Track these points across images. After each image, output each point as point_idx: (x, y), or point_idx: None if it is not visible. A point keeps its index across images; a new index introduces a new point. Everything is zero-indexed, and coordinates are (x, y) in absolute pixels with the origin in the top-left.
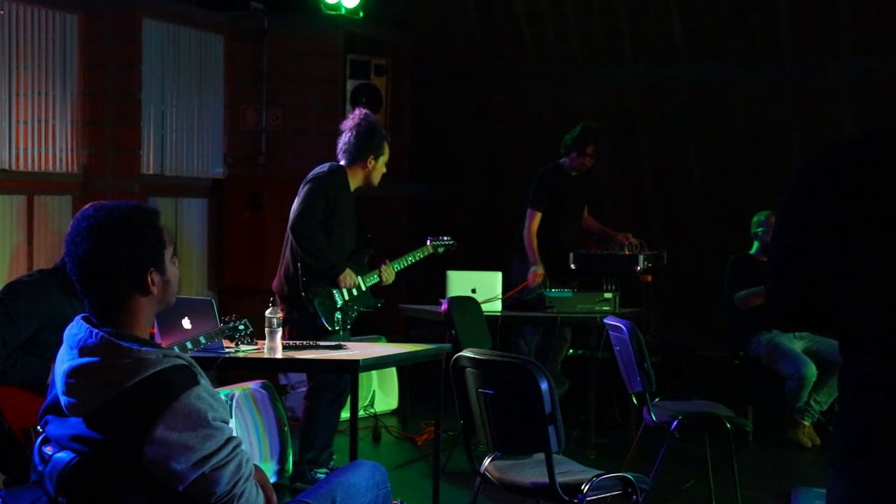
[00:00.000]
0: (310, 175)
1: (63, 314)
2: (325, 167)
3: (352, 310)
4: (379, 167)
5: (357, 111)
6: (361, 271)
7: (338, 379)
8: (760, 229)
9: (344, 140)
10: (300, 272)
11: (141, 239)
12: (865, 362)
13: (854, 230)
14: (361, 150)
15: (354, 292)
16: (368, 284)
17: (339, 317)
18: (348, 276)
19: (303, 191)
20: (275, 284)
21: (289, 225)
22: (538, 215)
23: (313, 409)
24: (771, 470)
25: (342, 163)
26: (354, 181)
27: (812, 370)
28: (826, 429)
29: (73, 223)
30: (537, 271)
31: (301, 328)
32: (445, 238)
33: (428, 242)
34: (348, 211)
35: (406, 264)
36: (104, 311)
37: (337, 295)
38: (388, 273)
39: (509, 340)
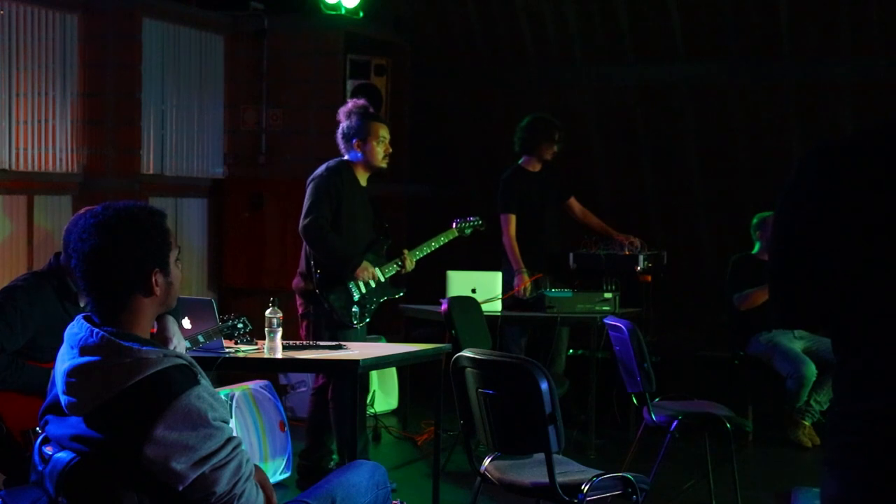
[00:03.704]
0: (311, 176)
1: (58, 317)
2: (323, 166)
3: (370, 302)
4: (373, 149)
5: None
6: (380, 262)
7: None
8: (759, 232)
9: (337, 134)
10: (314, 268)
11: (147, 239)
12: (859, 361)
13: (852, 229)
14: (347, 137)
15: (373, 284)
16: (388, 275)
17: (357, 310)
18: (366, 269)
19: (306, 193)
20: (294, 282)
21: (300, 229)
22: (513, 218)
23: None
24: (771, 470)
25: (345, 157)
26: (359, 171)
27: (812, 370)
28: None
29: (80, 220)
30: (524, 278)
31: (317, 324)
32: (472, 219)
33: (453, 225)
34: (358, 203)
35: (430, 250)
36: (106, 309)
37: (353, 289)
38: (409, 262)
39: (501, 345)
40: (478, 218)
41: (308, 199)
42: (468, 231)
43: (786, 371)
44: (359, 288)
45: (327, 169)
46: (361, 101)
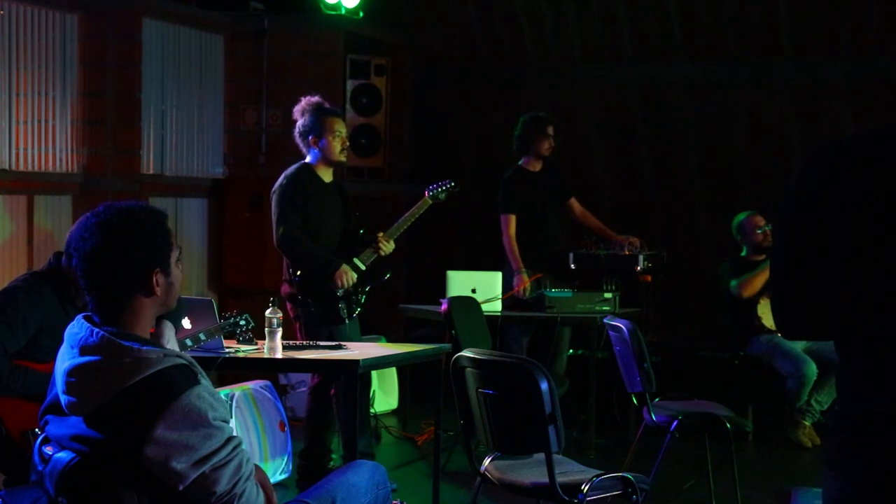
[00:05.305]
0: (273, 188)
1: (58, 317)
2: (282, 175)
3: (356, 293)
4: (329, 144)
5: None
6: (356, 251)
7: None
8: (741, 236)
9: (294, 133)
10: (292, 273)
11: (149, 238)
12: (861, 362)
13: (855, 230)
14: (303, 135)
15: (354, 275)
16: (368, 262)
17: (344, 305)
18: (345, 273)
19: (272, 206)
20: (281, 289)
21: (275, 243)
22: (512, 218)
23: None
24: (771, 470)
25: (306, 158)
26: (320, 168)
27: (812, 369)
28: (826, 429)
29: (83, 220)
30: (523, 278)
31: (308, 325)
32: (444, 183)
33: (426, 194)
34: (325, 200)
35: (406, 226)
36: (107, 309)
37: (334, 286)
38: (386, 245)
39: (502, 345)
40: (450, 180)
41: (274, 213)
42: (443, 196)
43: (787, 370)
44: (336, 284)
45: (285, 177)
46: (315, 98)
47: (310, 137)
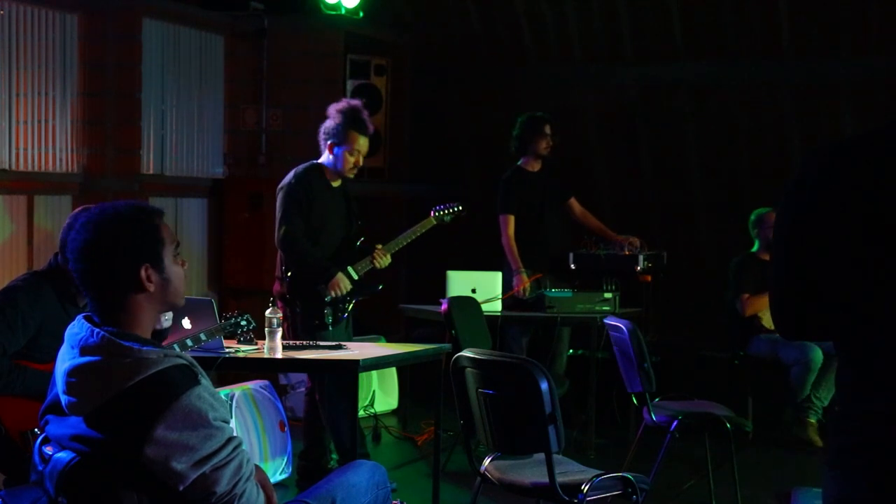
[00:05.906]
0: (280, 184)
1: (58, 317)
2: (291, 173)
3: (344, 302)
4: (343, 157)
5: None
6: (353, 260)
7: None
8: (757, 230)
9: (320, 129)
10: (284, 272)
11: (134, 233)
12: (861, 362)
13: (854, 230)
14: (325, 136)
15: (349, 285)
16: (362, 272)
17: (329, 311)
18: (340, 282)
19: (277, 203)
20: (273, 286)
21: (275, 241)
22: (511, 218)
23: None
24: (771, 470)
25: (320, 158)
26: (329, 173)
27: (819, 354)
28: (827, 429)
29: (75, 221)
30: (523, 278)
31: (295, 327)
32: (452, 205)
33: (431, 214)
34: (330, 204)
35: (406, 242)
36: (105, 309)
37: (323, 291)
38: (383, 259)
39: (502, 345)
40: (458, 203)
41: (279, 210)
42: (448, 218)
43: (793, 358)
44: (328, 291)
45: (294, 175)
46: (355, 104)
47: (329, 141)
